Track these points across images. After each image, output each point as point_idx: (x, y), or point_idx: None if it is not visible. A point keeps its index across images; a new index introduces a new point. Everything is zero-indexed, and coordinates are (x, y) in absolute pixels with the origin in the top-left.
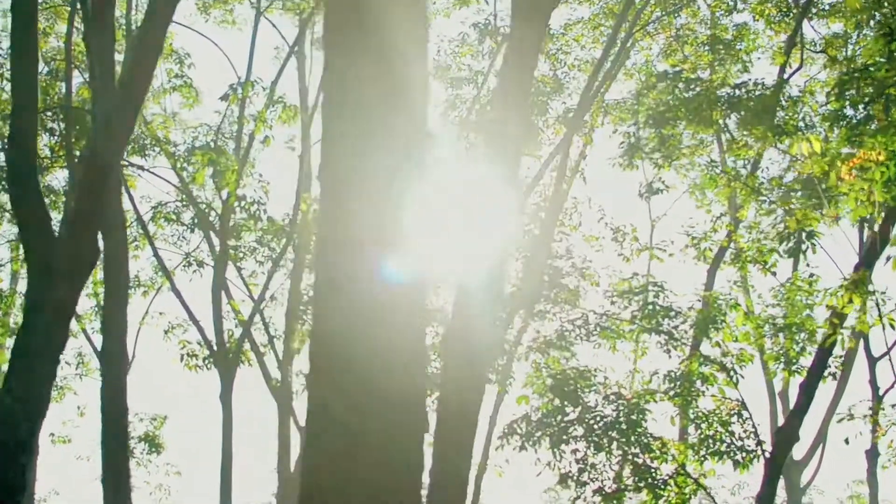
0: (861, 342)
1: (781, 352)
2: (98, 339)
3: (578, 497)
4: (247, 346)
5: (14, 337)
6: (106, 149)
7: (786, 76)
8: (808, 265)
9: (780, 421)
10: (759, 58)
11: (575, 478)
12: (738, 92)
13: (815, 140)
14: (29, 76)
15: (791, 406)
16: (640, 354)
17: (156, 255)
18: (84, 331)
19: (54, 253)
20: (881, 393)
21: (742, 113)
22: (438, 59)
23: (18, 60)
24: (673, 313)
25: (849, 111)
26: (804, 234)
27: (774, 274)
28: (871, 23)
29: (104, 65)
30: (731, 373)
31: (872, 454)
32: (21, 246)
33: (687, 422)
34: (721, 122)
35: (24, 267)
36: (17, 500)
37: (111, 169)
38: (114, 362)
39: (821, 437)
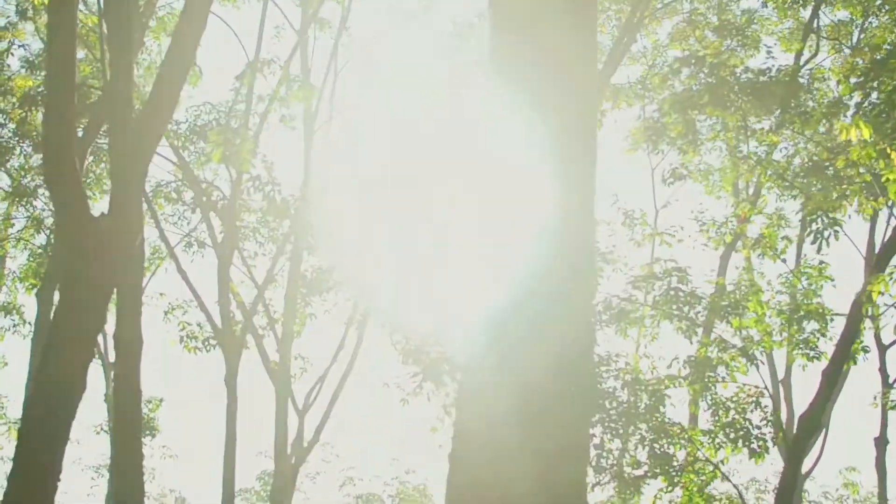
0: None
1: (802, 338)
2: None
3: (598, 483)
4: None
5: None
6: (147, 131)
7: (802, 63)
8: (825, 252)
9: (784, 408)
10: (772, 44)
11: (593, 464)
12: (761, 78)
13: (864, 127)
14: (66, 52)
15: (793, 393)
16: (651, 339)
17: (162, 235)
18: None
19: (91, 233)
20: (891, 381)
21: (765, 99)
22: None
23: (55, 36)
24: (696, 299)
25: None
26: (826, 220)
27: (784, 261)
28: (880, 10)
29: (123, 46)
30: (752, 359)
31: (881, 442)
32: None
33: (695, 408)
34: (744, 107)
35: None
36: (54, 484)
37: (152, 150)
38: (130, 347)
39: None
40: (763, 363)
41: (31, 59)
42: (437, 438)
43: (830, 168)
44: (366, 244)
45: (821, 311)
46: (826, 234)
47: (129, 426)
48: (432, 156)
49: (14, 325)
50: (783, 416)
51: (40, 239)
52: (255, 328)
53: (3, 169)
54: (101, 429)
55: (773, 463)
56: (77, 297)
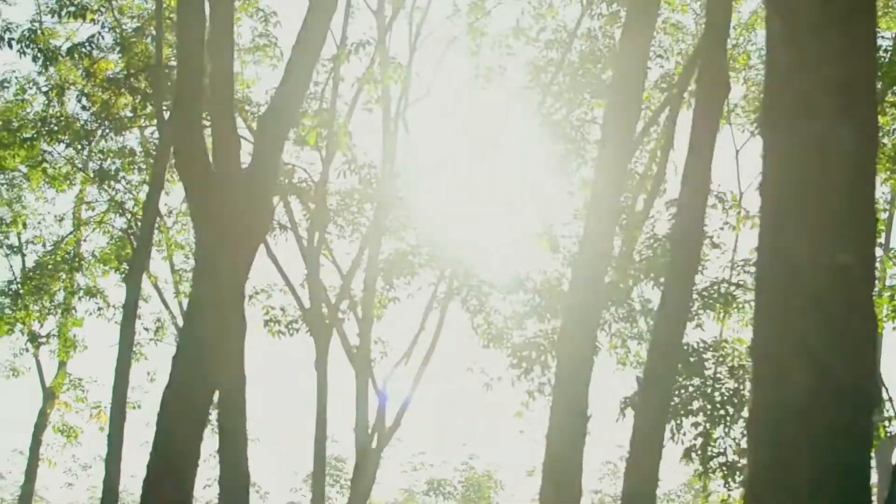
0: None
1: None
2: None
3: (705, 472)
4: (325, 309)
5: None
6: (284, 109)
7: None
8: None
9: None
10: None
11: (699, 452)
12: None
13: None
14: (194, 43)
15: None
16: (745, 324)
17: None
18: (161, 295)
19: (227, 215)
20: None
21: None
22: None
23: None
24: None
25: None
26: None
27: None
28: None
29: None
30: None
31: None
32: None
33: None
34: None
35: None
36: (192, 471)
37: (287, 130)
38: (235, 333)
39: None
40: None
41: (119, 41)
42: (514, 424)
43: None
44: (447, 226)
45: None
46: None
47: (232, 411)
48: (512, 137)
49: (98, 309)
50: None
51: (120, 222)
52: (336, 311)
53: (85, 152)
54: None
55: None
56: (212, 282)
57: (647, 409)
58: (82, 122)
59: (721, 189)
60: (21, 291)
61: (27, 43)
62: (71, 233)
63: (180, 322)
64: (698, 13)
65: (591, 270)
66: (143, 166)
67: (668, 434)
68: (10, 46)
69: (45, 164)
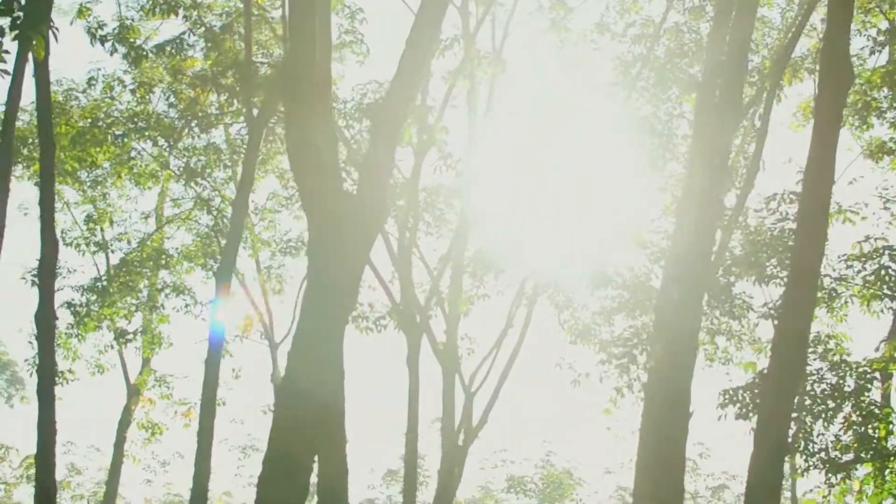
0: None
1: None
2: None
3: (808, 468)
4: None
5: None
6: (399, 101)
7: None
8: None
9: None
10: None
11: (801, 447)
12: None
13: None
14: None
15: None
16: (838, 321)
17: None
18: (247, 292)
19: (342, 207)
20: None
21: None
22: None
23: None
24: None
25: None
26: None
27: None
28: None
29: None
30: None
31: None
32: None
33: None
34: None
35: None
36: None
37: (401, 122)
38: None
39: None
40: None
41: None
42: (596, 421)
43: None
44: (534, 223)
45: None
46: None
47: (332, 410)
48: (599, 132)
49: (186, 306)
50: None
51: (206, 219)
52: (422, 308)
53: (173, 150)
54: (269, 409)
55: None
56: (327, 276)
57: (773, 403)
58: (171, 120)
59: None
60: (109, 289)
61: (118, 40)
62: (157, 230)
63: (266, 319)
64: (784, 7)
65: (690, 266)
66: (229, 163)
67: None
68: (102, 44)
69: (131, 162)
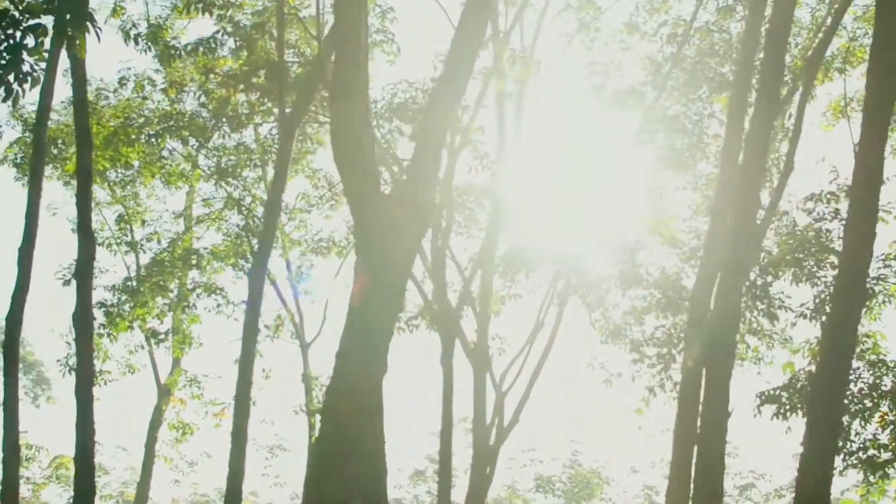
0: None
1: None
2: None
3: (846, 467)
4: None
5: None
6: (445, 102)
7: None
8: None
9: None
10: None
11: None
12: None
13: None
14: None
15: None
16: (872, 318)
17: None
18: (278, 292)
19: (385, 209)
20: None
21: None
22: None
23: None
24: None
25: None
26: None
27: None
28: None
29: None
30: None
31: None
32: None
33: None
34: None
35: None
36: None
37: (448, 122)
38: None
39: None
40: None
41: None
42: (629, 420)
43: None
44: (564, 222)
45: None
46: None
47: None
48: (628, 132)
49: (217, 306)
50: None
51: (236, 219)
52: (453, 307)
53: (202, 149)
54: (300, 409)
55: None
56: (376, 278)
57: (823, 402)
58: (203, 119)
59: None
60: (140, 288)
61: (151, 40)
62: (187, 229)
63: (297, 318)
64: (814, 7)
65: (729, 266)
66: (258, 163)
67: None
68: (137, 43)
69: (162, 161)
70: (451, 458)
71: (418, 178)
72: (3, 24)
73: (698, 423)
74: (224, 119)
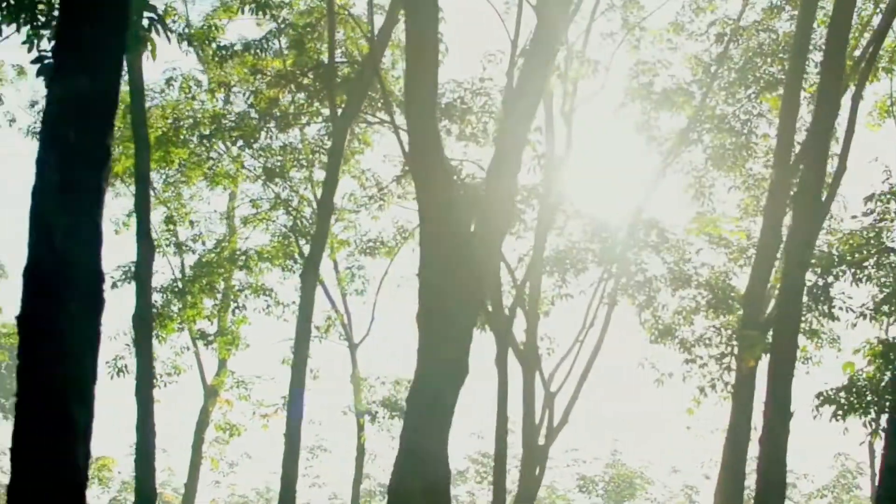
0: None
1: None
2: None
3: None
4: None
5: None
6: (524, 110)
7: None
8: None
9: None
10: None
11: None
12: None
13: None
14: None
15: None
16: None
17: None
18: (327, 293)
19: (469, 216)
20: None
21: None
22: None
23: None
24: None
25: None
26: None
27: None
28: None
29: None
30: None
31: None
32: None
33: None
34: None
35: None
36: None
37: (527, 130)
38: None
39: None
40: None
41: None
42: (675, 420)
43: None
44: (612, 222)
45: None
46: None
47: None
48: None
49: (267, 307)
50: None
51: (283, 219)
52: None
53: (249, 150)
54: (348, 410)
55: None
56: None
57: None
58: (253, 120)
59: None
60: (187, 290)
61: (205, 40)
62: (233, 230)
63: (345, 319)
64: (860, 6)
65: (790, 267)
66: (305, 163)
67: (866, 430)
68: (190, 44)
69: (211, 162)
70: (506, 459)
71: (499, 185)
72: None
73: (751, 424)
74: (271, 119)
